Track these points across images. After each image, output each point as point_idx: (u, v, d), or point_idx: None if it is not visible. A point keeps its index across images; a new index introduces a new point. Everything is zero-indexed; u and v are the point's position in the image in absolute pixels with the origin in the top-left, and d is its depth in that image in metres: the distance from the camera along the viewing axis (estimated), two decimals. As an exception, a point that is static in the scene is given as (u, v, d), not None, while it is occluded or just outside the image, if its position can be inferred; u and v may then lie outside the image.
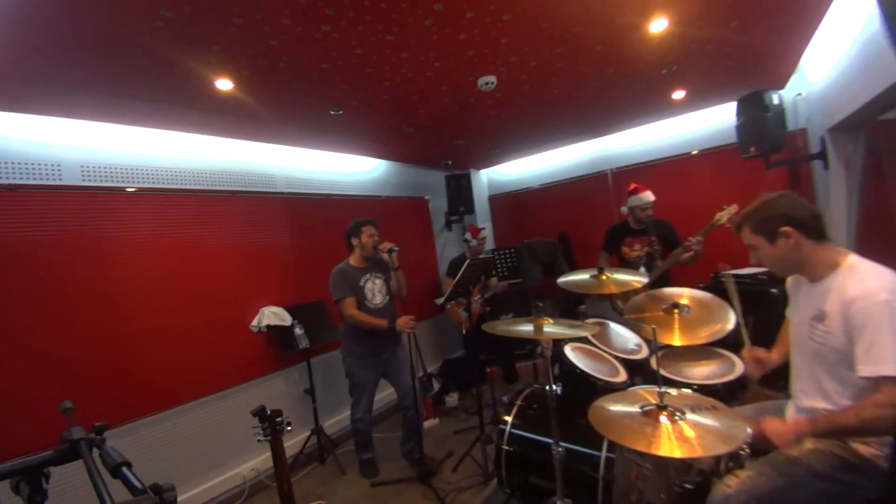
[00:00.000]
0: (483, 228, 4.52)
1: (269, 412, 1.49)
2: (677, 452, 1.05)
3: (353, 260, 3.07)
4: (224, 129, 3.02)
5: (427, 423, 3.85)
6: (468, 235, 4.16)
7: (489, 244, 5.61)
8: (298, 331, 3.27)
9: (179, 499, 2.78)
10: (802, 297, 1.51)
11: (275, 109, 2.68)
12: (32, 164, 2.37)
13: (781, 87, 3.59)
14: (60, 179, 2.46)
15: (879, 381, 1.19)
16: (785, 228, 1.40)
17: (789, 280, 1.63)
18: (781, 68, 3.26)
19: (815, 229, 1.40)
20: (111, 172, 2.66)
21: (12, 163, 2.30)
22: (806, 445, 1.36)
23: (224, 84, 2.21)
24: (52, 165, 2.44)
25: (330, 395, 3.66)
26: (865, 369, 1.21)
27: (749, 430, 1.13)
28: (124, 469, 0.83)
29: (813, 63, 3.10)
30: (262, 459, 3.19)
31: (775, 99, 3.19)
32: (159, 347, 2.75)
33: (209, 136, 3.08)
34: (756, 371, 1.74)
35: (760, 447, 1.36)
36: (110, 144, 2.66)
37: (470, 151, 4.60)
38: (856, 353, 1.24)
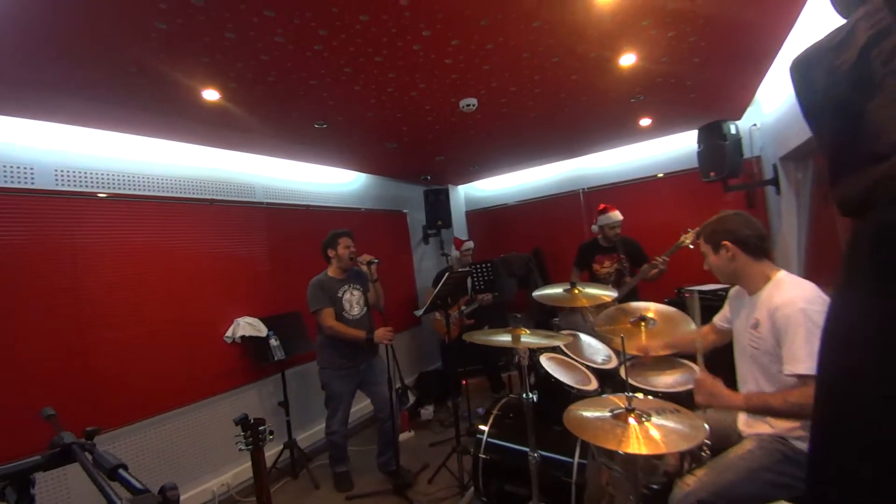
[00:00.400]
0: (468, 240, 4.63)
1: (251, 420, 1.50)
2: (644, 449, 1.15)
3: (331, 271, 3.10)
4: (206, 138, 3.02)
5: (402, 436, 3.84)
6: (453, 248, 4.26)
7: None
8: (274, 342, 3.24)
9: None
10: (743, 308, 1.71)
11: (259, 121, 2.71)
12: (4, 166, 2.31)
13: (738, 117, 3.88)
14: (33, 183, 2.41)
15: (801, 378, 1.37)
16: (725, 242, 1.64)
17: (732, 291, 1.85)
18: (739, 101, 3.54)
19: (754, 247, 1.62)
20: (85, 177, 2.61)
21: (-18, 165, 2.25)
22: (752, 444, 1.52)
23: (210, 94, 2.24)
24: (26, 168, 2.38)
25: (304, 408, 3.62)
26: (787, 368, 1.40)
27: (706, 426, 1.25)
28: (121, 471, 0.84)
29: (767, 97, 3.38)
30: (232, 474, 3.13)
31: (732, 129, 3.45)
32: (127, 357, 2.68)
33: (191, 144, 3.07)
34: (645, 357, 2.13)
35: (719, 446, 1.49)
36: (85, 148, 2.62)
37: (449, 167, 4.72)
38: (783, 354, 1.43)
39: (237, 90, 2.24)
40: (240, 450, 1.55)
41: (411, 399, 4.35)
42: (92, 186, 2.63)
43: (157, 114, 2.44)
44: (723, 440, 1.60)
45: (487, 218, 5.81)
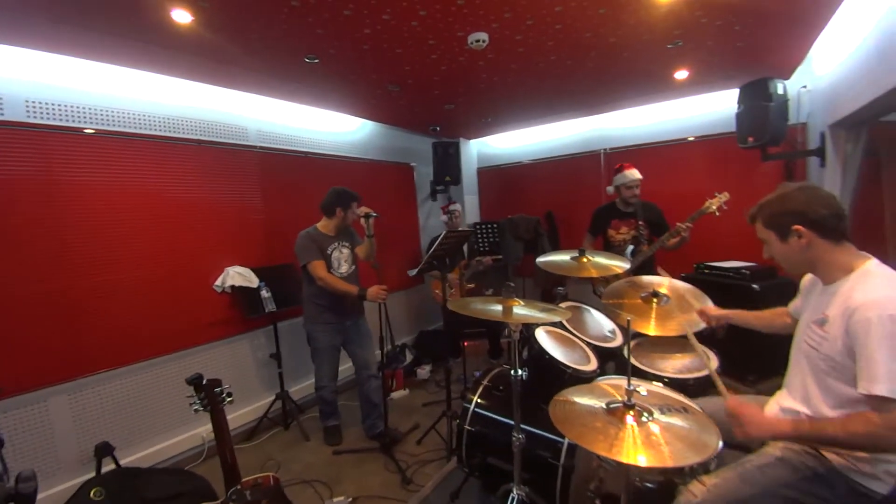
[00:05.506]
0: (455, 202, 4.41)
1: (205, 381, 1.36)
2: (640, 458, 0.95)
3: (322, 227, 2.95)
4: (189, 71, 2.75)
5: (396, 394, 3.81)
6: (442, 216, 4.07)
7: (474, 217, 5.48)
8: (265, 293, 3.13)
9: (137, 456, 2.72)
10: (813, 299, 1.42)
11: (242, 51, 2.42)
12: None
13: (787, 77, 3.44)
14: (2, 115, 2.22)
15: (872, 400, 1.11)
16: (797, 227, 1.29)
17: (806, 278, 1.53)
18: (790, 57, 3.10)
19: (832, 229, 1.27)
20: (61, 110, 2.42)
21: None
22: (775, 453, 1.29)
23: (181, 16, 1.96)
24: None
25: (297, 361, 3.56)
26: (862, 386, 1.12)
27: (721, 444, 1.03)
28: None
29: (822, 55, 2.97)
30: (220, 422, 3.11)
31: (780, 88, 3.06)
32: (114, 302, 2.61)
33: (174, 77, 2.82)
34: (703, 320, 1.84)
35: (730, 439, 1.28)
36: (63, 80, 2.42)
37: (460, 118, 4.37)
38: (857, 367, 1.14)
39: (210, 11, 1.95)
40: (195, 411, 1.42)
41: (409, 357, 4.29)
42: (71, 121, 2.46)
43: (127, 38, 2.18)
44: (737, 421, 1.34)
45: (499, 177, 5.49)
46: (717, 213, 2.82)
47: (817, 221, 1.27)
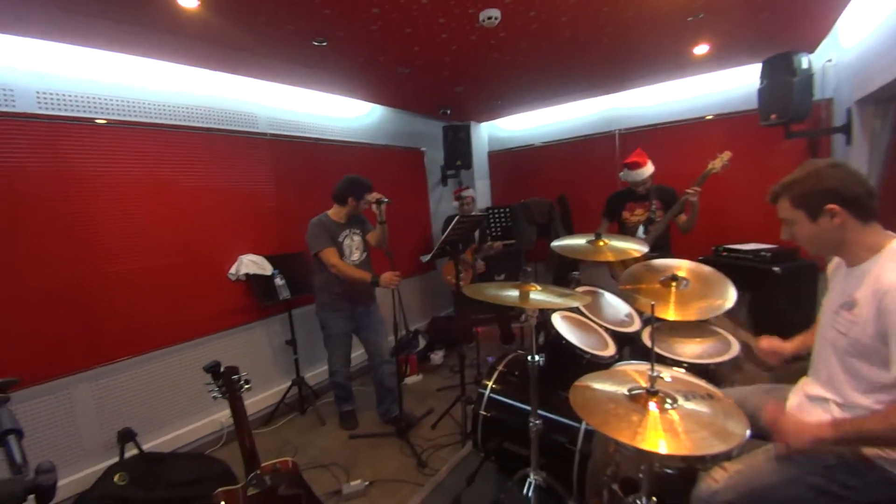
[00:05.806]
0: (468, 188, 4.34)
1: (222, 369, 1.36)
2: (666, 448, 0.93)
3: (333, 214, 2.93)
4: (198, 58, 2.72)
5: (410, 379, 3.84)
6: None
7: (485, 202, 5.42)
8: (279, 281, 3.14)
9: (158, 441, 2.78)
10: (838, 283, 1.35)
11: (250, 36, 2.39)
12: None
13: (812, 50, 3.29)
14: (14, 107, 2.22)
15: None
16: (831, 206, 1.20)
17: (831, 266, 1.44)
18: (815, 29, 2.96)
19: (865, 209, 1.20)
20: (74, 101, 2.42)
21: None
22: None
23: (187, 0, 1.93)
24: (5, 91, 2.19)
25: (312, 347, 3.59)
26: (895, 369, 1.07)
27: (748, 432, 0.99)
28: (10, 438, 0.70)
29: (848, 27, 2.83)
30: (238, 407, 3.17)
31: (804, 62, 2.92)
32: (130, 291, 2.64)
33: (182, 65, 2.79)
34: (773, 360, 1.62)
35: (758, 430, 1.24)
36: (74, 71, 2.41)
37: (470, 100, 4.29)
38: (891, 351, 1.09)
39: (217, -6, 1.92)
40: (214, 398, 1.43)
41: (422, 343, 4.30)
42: (82, 111, 2.45)
43: (133, 25, 2.15)
44: (776, 430, 1.29)
45: (511, 160, 5.40)
46: (721, 171, 2.81)
47: (852, 200, 1.19)
